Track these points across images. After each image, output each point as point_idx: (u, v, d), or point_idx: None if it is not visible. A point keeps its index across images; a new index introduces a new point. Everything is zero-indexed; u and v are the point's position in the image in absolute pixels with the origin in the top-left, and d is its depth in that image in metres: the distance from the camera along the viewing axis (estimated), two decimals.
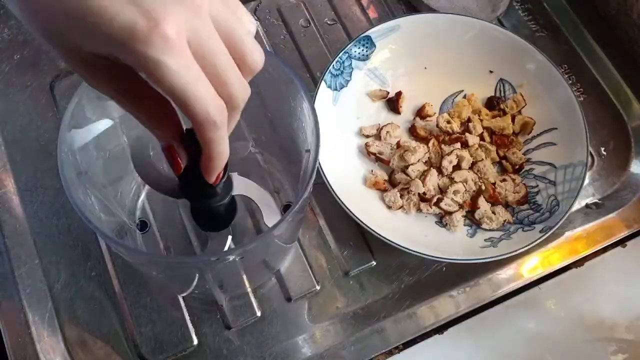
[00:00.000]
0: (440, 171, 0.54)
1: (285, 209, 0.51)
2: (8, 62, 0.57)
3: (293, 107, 0.42)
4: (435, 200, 0.52)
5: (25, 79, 0.56)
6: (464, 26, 0.57)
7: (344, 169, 0.53)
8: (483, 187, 0.53)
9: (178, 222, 0.51)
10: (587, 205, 0.56)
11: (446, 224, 0.52)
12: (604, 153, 0.58)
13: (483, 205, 0.52)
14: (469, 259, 0.49)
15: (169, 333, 0.47)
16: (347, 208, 0.49)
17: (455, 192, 0.53)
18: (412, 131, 0.57)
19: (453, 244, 0.51)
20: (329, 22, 0.62)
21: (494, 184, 0.54)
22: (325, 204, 0.53)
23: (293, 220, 0.41)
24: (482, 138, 0.56)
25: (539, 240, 0.49)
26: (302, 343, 0.48)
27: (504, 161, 0.56)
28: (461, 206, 0.53)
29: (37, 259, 0.49)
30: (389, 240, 0.48)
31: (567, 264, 0.53)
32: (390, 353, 0.48)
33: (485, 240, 0.51)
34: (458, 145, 0.54)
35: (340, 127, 0.55)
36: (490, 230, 0.52)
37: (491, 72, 0.59)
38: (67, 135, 0.38)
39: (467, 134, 0.55)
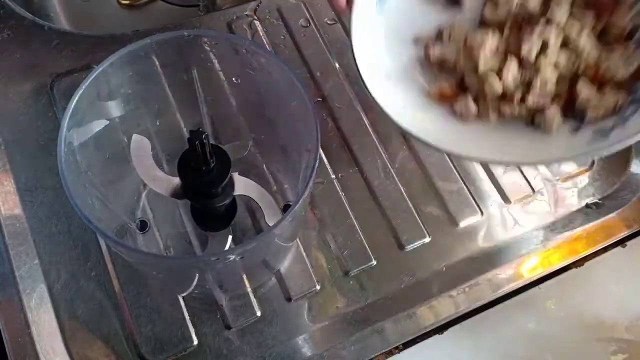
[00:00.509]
0: (521, 61, 0.43)
1: (285, 208, 0.51)
2: (8, 62, 0.57)
3: (293, 106, 0.43)
4: (519, 96, 0.41)
5: (25, 79, 0.56)
6: None
7: (402, 90, 0.44)
8: (582, 67, 0.41)
9: (178, 222, 0.51)
10: (587, 205, 0.56)
11: (540, 125, 0.42)
12: None
13: (584, 90, 0.41)
14: (576, 154, 0.40)
15: (169, 333, 0.47)
16: (418, 136, 0.40)
17: (544, 83, 0.42)
18: (482, 21, 0.45)
19: (553, 146, 0.41)
20: (329, 22, 0.62)
21: (596, 60, 0.42)
22: (325, 203, 0.53)
23: (293, 220, 0.41)
24: (573, 4, 0.43)
25: None
26: (302, 343, 0.48)
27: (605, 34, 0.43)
28: (556, 97, 0.42)
29: (37, 259, 0.49)
30: (477, 158, 0.40)
31: (567, 264, 0.53)
32: (390, 353, 0.48)
33: (595, 133, 0.40)
34: (540, 25, 0.43)
35: (390, 39, 0.46)
36: (597, 120, 0.41)
37: None
38: (67, 135, 0.38)
39: (553, 5, 0.43)
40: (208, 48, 0.45)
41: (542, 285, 0.52)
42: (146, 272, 0.48)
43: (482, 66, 0.42)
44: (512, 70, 0.42)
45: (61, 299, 0.48)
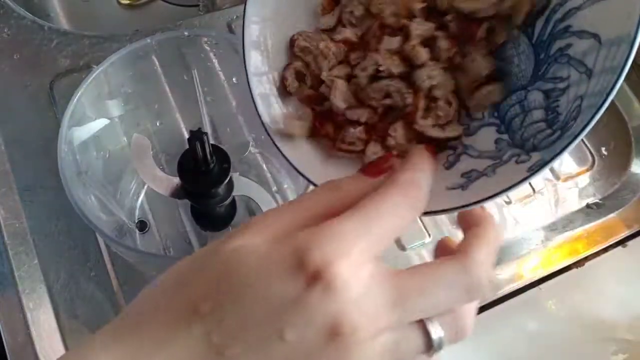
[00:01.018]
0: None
1: None
2: (8, 62, 0.57)
3: None
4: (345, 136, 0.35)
5: (25, 79, 0.56)
6: None
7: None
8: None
9: (178, 222, 0.51)
10: (587, 205, 0.56)
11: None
12: (605, 153, 0.58)
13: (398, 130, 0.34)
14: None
15: None
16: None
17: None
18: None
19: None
20: None
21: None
22: None
23: None
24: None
25: (523, 182, 0.30)
26: None
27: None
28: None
29: (37, 259, 0.49)
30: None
31: (567, 264, 0.52)
32: None
33: (463, 175, 0.34)
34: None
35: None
36: (477, 156, 0.34)
37: None
38: (67, 134, 0.38)
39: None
40: (208, 48, 0.45)
41: (542, 286, 0.52)
42: (146, 272, 0.48)
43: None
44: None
45: (61, 299, 0.48)
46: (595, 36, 0.33)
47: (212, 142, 0.40)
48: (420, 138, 0.35)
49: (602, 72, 0.32)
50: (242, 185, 0.48)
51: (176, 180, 0.45)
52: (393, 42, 0.36)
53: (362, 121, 0.36)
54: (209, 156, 0.40)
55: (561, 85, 0.33)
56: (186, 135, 0.51)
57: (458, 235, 0.30)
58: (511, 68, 0.35)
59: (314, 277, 0.21)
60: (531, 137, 0.33)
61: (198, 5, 0.70)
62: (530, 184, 0.56)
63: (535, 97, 0.34)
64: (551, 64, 0.34)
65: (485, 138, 0.35)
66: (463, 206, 0.32)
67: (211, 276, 0.24)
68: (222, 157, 0.42)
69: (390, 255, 0.52)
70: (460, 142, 0.35)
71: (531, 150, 0.32)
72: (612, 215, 0.55)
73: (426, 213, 0.30)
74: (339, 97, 0.36)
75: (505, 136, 0.34)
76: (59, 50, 0.57)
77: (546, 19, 0.35)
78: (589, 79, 0.32)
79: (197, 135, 0.37)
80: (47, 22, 0.59)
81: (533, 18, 0.35)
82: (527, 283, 0.51)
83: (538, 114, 0.34)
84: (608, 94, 0.30)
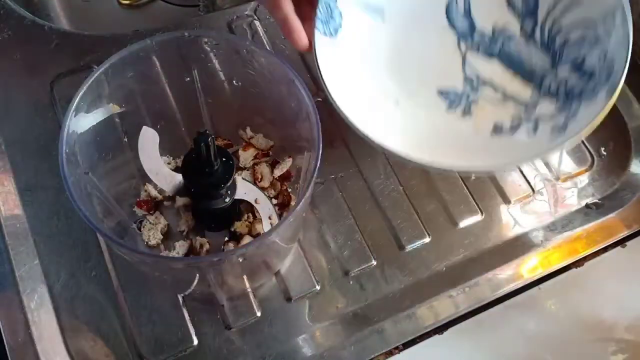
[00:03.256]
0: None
1: None
2: (8, 62, 0.57)
3: (293, 107, 0.43)
4: None
5: (25, 79, 0.56)
6: None
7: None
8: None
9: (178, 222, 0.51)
10: (587, 205, 0.56)
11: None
12: (604, 153, 0.58)
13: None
14: (543, 152, 0.45)
15: (169, 333, 0.47)
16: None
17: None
18: None
19: (519, 150, 0.47)
20: None
21: None
22: (325, 203, 0.53)
23: (294, 221, 0.41)
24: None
25: (608, 106, 0.43)
26: (302, 343, 0.48)
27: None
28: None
29: (37, 259, 0.49)
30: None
31: (567, 264, 0.53)
32: (390, 353, 0.48)
33: (552, 131, 0.46)
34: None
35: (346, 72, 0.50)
36: (550, 119, 0.47)
37: None
38: (67, 134, 0.38)
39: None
40: (208, 48, 0.45)
41: (542, 286, 0.52)
42: (146, 272, 0.48)
43: None
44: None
45: (61, 299, 0.48)
46: (586, 23, 0.47)
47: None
48: None
49: (609, 34, 0.45)
50: (244, 187, 0.48)
51: (179, 177, 0.45)
52: None
53: None
54: (213, 158, 0.40)
55: (579, 57, 0.47)
56: (187, 136, 0.51)
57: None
58: (533, 63, 0.49)
59: None
60: (582, 90, 0.46)
61: (198, 6, 0.70)
62: (530, 183, 0.56)
63: (564, 71, 0.48)
64: (562, 50, 0.48)
65: (546, 107, 0.48)
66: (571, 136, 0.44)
67: None
68: (226, 159, 0.42)
69: (390, 255, 0.52)
70: (527, 117, 0.49)
71: (591, 95, 0.45)
72: (611, 215, 0.55)
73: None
74: None
75: (559, 102, 0.48)
76: (59, 50, 0.57)
77: (541, 28, 0.49)
78: (599, 43, 0.46)
79: (203, 137, 0.38)
80: (47, 22, 0.59)
81: (531, 32, 0.50)
82: (526, 283, 0.51)
83: (574, 79, 0.47)
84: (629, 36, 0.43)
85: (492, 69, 0.51)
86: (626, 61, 0.43)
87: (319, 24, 0.48)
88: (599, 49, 0.46)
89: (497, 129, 0.49)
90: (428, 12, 0.53)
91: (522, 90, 0.50)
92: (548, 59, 0.49)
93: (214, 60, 0.47)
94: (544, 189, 0.56)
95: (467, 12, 0.52)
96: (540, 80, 0.49)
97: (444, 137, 0.49)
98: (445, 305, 0.50)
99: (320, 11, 0.48)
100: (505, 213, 0.55)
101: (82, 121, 0.41)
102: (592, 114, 0.43)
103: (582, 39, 0.47)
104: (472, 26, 0.52)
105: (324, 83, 0.46)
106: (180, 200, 0.49)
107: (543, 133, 0.46)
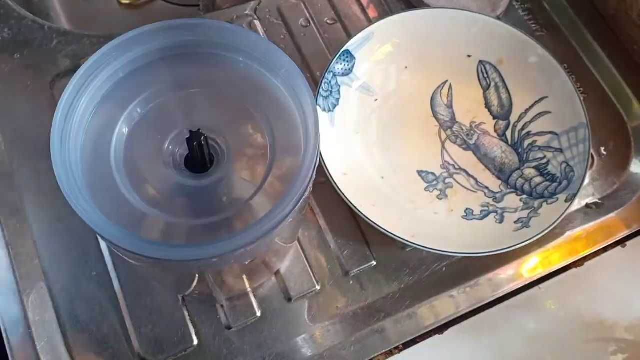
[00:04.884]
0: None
1: None
2: (8, 62, 0.57)
3: (293, 105, 0.42)
4: None
5: (25, 79, 0.56)
6: (434, 19, 0.58)
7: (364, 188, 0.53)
8: None
9: None
10: (587, 205, 0.56)
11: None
12: (604, 153, 0.58)
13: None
14: (508, 246, 0.48)
15: (169, 333, 0.47)
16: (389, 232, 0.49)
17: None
18: None
19: (482, 235, 0.51)
20: (329, 22, 0.62)
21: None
22: (325, 204, 0.53)
23: (293, 221, 0.41)
24: None
25: (567, 211, 0.49)
26: (302, 343, 0.48)
27: None
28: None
29: (37, 259, 0.49)
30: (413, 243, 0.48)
31: (567, 264, 0.53)
32: (390, 353, 0.48)
33: (516, 222, 0.51)
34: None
35: (341, 147, 0.55)
36: (515, 211, 0.52)
37: (469, 56, 0.59)
38: (65, 134, 0.38)
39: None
40: None
41: (542, 285, 0.52)
42: (146, 272, 0.48)
43: None
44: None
45: (61, 299, 0.48)
46: (552, 132, 0.55)
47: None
48: None
49: (571, 147, 0.53)
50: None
51: None
52: None
53: None
54: (207, 158, 0.40)
55: (543, 161, 0.54)
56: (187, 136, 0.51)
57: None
58: (503, 160, 0.56)
59: None
60: (544, 191, 0.52)
61: (198, 5, 0.70)
62: None
63: (529, 171, 0.54)
64: (528, 153, 0.55)
65: (512, 200, 0.53)
66: (538, 234, 0.49)
67: None
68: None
69: (390, 254, 0.52)
70: (494, 208, 0.53)
71: (552, 196, 0.52)
72: (611, 215, 0.55)
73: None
74: None
75: (524, 197, 0.53)
76: (59, 50, 0.57)
77: (512, 130, 0.57)
78: (562, 152, 0.54)
79: (195, 136, 0.37)
80: (47, 22, 0.59)
81: (503, 132, 0.57)
82: (526, 283, 0.51)
83: (538, 180, 0.54)
84: (588, 154, 0.52)
85: (467, 159, 0.56)
86: (584, 175, 0.51)
87: (320, 100, 0.54)
88: (561, 158, 0.53)
89: (467, 214, 0.53)
90: (417, 99, 0.58)
91: (492, 182, 0.55)
92: (516, 158, 0.55)
93: None
94: None
95: (450, 105, 0.58)
96: (508, 176, 0.54)
97: (420, 216, 0.53)
98: (445, 305, 0.50)
99: (323, 88, 0.54)
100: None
101: (81, 120, 0.41)
102: (555, 215, 0.49)
103: (547, 146, 0.54)
104: (453, 118, 0.57)
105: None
106: None
107: (508, 224, 0.51)
